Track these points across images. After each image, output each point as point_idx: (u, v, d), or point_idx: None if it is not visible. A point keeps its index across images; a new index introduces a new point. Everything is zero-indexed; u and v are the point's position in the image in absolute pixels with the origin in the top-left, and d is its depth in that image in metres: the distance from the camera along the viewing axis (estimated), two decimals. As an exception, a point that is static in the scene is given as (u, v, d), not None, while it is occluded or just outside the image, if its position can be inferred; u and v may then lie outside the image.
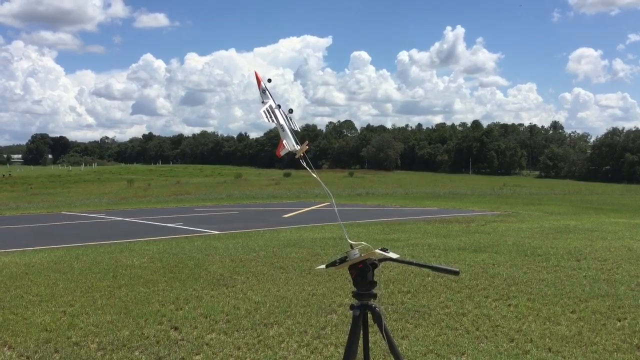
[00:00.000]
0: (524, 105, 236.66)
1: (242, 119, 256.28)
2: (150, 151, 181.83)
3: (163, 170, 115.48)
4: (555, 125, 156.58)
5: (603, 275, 7.71)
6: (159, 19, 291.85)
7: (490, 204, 28.05)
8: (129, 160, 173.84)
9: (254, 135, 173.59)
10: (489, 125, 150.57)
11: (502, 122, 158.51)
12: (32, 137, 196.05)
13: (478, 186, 61.10)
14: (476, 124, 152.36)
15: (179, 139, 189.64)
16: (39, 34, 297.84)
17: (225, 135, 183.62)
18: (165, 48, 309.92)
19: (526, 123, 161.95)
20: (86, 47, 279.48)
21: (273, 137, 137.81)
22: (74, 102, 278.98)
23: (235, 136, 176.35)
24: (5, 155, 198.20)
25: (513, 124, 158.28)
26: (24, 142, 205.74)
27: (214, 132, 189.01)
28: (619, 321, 5.56)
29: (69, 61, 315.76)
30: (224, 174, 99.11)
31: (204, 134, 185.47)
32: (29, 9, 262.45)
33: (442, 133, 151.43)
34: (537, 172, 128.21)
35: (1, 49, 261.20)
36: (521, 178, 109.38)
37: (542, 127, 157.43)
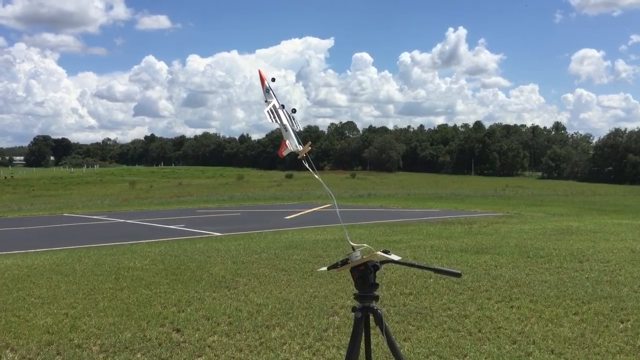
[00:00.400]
0: (526, 106, 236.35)
1: (244, 121, 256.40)
2: (152, 153, 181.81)
3: (165, 172, 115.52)
4: (558, 126, 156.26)
5: (606, 276, 7.69)
6: (161, 21, 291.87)
7: (492, 205, 28.02)
8: (131, 162, 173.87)
9: (255, 136, 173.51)
10: (491, 126, 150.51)
11: (504, 123, 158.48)
12: (34, 138, 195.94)
13: (480, 187, 61.05)
14: (478, 125, 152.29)
15: (180, 140, 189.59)
16: (41, 36, 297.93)
17: (227, 136, 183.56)
18: (167, 50, 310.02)
19: (528, 124, 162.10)
20: (88, 49, 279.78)
21: (275, 139, 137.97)
22: (76, 103, 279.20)
23: (237, 137, 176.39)
24: (7, 157, 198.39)
25: (515, 125, 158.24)
26: (26, 144, 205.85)
27: (216, 134, 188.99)
28: (622, 323, 5.54)
29: (71, 63, 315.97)
30: (226, 176, 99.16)
31: (205, 135, 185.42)
32: (31, 11, 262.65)
33: (444, 134, 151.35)
34: (539, 173, 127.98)
35: (3, 51, 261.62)
36: (523, 179, 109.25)
37: (545, 128, 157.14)
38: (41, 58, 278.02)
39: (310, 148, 2.77)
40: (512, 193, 48.34)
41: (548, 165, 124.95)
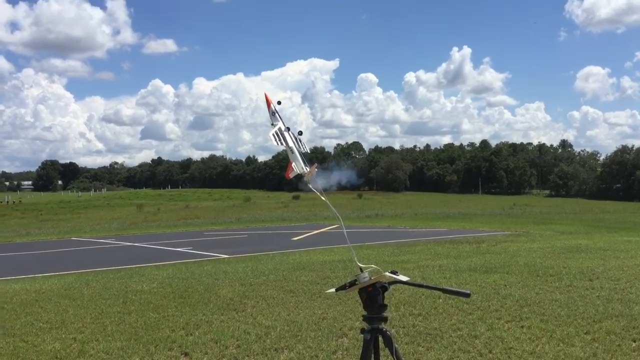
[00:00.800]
0: (532, 124, 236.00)
1: (250, 142, 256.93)
2: (159, 176, 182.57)
3: (172, 195, 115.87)
4: (564, 144, 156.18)
5: (617, 295, 7.61)
6: (168, 45, 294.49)
7: (500, 224, 27.88)
8: (138, 185, 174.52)
9: (262, 158, 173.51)
10: (497, 145, 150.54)
11: (510, 142, 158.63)
12: (42, 163, 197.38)
13: (488, 206, 60.80)
14: (484, 143, 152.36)
15: (187, 163, 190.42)
16: (49, 61, 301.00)
17: (233, 158, 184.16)
18: (173, 73, 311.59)
19: (535, 142, 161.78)
20: (96, 73, 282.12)
21: (281, 160, 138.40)
22: (83, 128, 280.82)
23: (243, 159, 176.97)
24: (15, 182, 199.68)
25: (522, 143, 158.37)
26: (34, 169, 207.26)
27: (223, 156, 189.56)
28: (634, 342, 5.48)
29: (79, 88, 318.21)
30: (233, 198, 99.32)
31: (212, 157, 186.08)
32: (39, 37, 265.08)
33: (450, 153, 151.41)
34: (547, 191, 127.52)
35: (12, 76, 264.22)
36: (531, 197, 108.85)
37: (551, 145, 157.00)
38: (49, 83, 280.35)
39: (316, 170, 2.79)
40: (520, 211, 48.14)
41: (555, 183, 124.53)
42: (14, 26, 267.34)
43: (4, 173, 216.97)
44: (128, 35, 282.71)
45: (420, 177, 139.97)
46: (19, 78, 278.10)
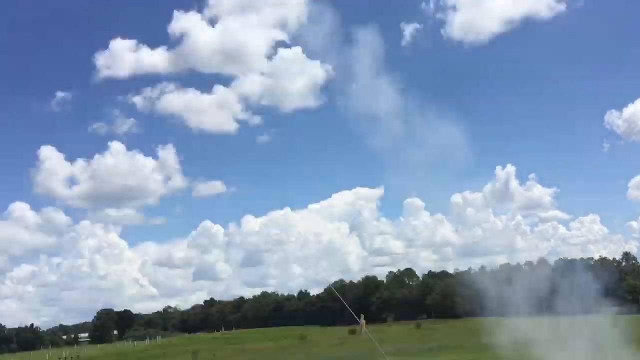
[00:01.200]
0: (589, 237, 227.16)
1: (301, 276, 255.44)
2: (212, 317, 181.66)
3: (227, 337, 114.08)
4: (627, 257, 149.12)
5: None
6: (216, 186, 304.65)
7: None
8: (192, 329, 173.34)
9: (314, 291, 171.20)
10: (556, 262, 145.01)
11: (569, 257, 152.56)
12: (98, 313, 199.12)
13: (559, 329, 56.86)
14: (542, 261, 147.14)
15: (239, 302, 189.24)
16: (104, 211, 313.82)
17: (285, 294, 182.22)
18: (222, 213, 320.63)
19: (595, 256, 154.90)
20: (149, 219, 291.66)
21: (332, 293, 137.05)
22: (137, 274, 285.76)
23: (295, 294, 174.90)
24: (72, 335, 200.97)
25: (582, 258, 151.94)
26: (89, 319, 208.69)
27: (275, 292, 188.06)
28: None
29: (133, 235, 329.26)
30: (288, 336, 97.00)
31: (264, 294, 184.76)
32: (95, 190, 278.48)
33: (508, 274, 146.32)
34: (615, 308, 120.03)
35: (69, 229, 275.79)
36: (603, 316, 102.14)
37: (614, 259, 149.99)
38: (104, 233, 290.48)
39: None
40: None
41: (624, 299, 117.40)
42: (72, 181, 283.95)
43: (61, 326, 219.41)
44: (179, 181, 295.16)
45: (479, 300, 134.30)
46: (76, 230, 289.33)
